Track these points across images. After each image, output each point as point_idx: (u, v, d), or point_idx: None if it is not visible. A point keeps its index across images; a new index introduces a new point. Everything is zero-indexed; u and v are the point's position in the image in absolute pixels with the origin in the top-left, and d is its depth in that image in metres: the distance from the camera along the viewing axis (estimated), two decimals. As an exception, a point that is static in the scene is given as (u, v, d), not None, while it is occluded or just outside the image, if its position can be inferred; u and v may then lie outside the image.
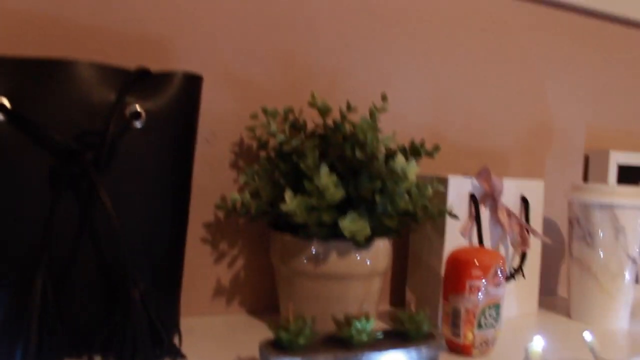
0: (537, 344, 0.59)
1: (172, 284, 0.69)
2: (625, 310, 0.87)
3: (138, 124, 0.64)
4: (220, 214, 0.81)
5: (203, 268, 0.81)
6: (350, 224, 0.66)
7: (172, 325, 0.67)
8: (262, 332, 0.75)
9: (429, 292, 0.83)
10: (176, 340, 0.67)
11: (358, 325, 0.57)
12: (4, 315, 0.60)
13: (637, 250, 0.86)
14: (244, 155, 0.82)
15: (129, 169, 0.64)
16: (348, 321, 0.58)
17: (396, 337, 0.60)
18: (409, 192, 0.73)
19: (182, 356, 0.64)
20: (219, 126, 0.80)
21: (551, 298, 1.05)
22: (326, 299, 0.71)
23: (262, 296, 0.84)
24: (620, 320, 0.87)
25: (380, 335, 0.60)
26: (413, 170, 0.68)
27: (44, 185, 0.61)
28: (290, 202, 0.65)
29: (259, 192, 0.74)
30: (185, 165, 0.69)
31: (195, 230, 0.80)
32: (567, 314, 0.92)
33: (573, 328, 0.85)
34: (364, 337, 0.57)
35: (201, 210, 0.80)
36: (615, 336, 0.82)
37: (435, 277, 0.82)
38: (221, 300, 0.83)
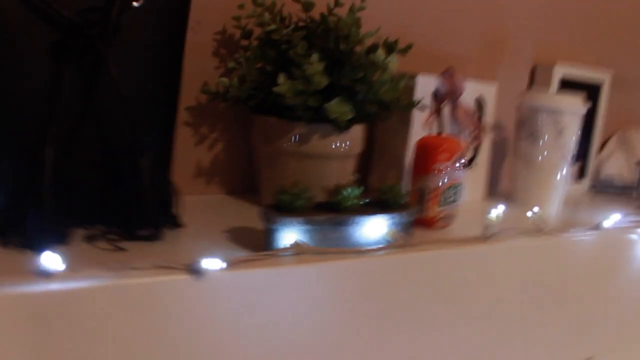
0: (497, 210, 0.69)
1: (168, 159, 0.74)
2: (558, 199, 1.00)
3: (136, 3, 0.67)
4: (202, 99, 0.86)
5: (184, 150, 0.86)
6: (336, 107, 0.73)
7: (171, 198, 0.72)
8: (248, 208, 0.83)
9: (393, 175, 0.92)
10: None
11: (347, 192, 0.65)
12: (14, 187, 0.63)
13: (573, 151, 0.98)
14: (226, 44, 0.86)
15: (129, 46, 0.67)
16: (338, 189, 0.65)
17: (377, 205, 0.68)
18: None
19: (182, 224, 0.70)
20: (204, 16, 0.84)
21: (495, 190, 1.16)
22: (306, 176, 0.78)
23: (240, 178, 0.91)
24: (553, 206, 1.00)
25: (365, 202, 0.68)
26: (394, 63, 0.75)
27: (48, 60, 0.62)
28: (284, 84, 0.71)
29: (245, 77, 0.79)
30: (180, 44, 0.73)
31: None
32: (511, 201, 1.03)
33: (517, 209, 0.96)
34: (352, 202, 0.65)
35: (183, 96, 0.84)
36: (550, 218, 0.93)
37: (399, 162, 0.91)
38: (201, 180, 0.88)
